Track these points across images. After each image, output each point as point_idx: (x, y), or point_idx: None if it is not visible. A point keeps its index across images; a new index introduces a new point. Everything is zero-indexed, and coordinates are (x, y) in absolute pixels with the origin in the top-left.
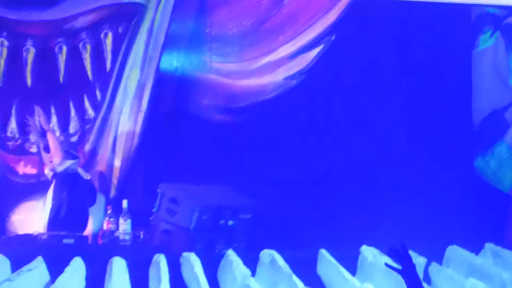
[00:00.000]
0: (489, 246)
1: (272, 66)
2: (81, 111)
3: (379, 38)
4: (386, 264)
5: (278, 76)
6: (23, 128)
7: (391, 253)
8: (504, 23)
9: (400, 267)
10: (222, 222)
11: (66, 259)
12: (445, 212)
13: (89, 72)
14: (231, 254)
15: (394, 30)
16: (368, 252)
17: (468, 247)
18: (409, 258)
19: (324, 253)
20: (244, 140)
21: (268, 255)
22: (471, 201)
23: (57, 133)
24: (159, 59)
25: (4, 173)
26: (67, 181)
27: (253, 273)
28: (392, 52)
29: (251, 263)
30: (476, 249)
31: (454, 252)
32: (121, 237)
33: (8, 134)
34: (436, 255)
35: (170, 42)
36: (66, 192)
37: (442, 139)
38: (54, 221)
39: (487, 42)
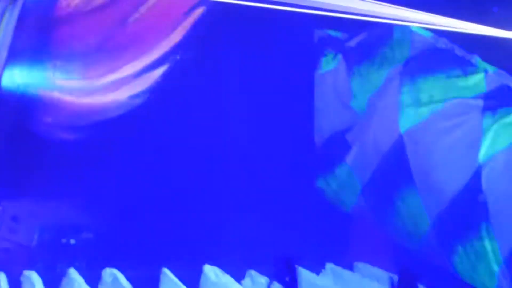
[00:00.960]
0: (329, 266)
1: (116, 85)
2: None
3: (224, 56)
4: None
5: (122, 95)
6: None
7: None
8: (345, 46)
9: None
10: (64, 240)
11: None
12: (288, 231)
13: None
14: (73, 272)
15: (239, 48)
16: (211, 272)
17: (309, 267)
18: None
19: (166, 272)
20: (87, 159)
21: (110, 274)
22: (313, 220)
23: None
24: (1, 75)
25: None
26: None
27: None
28: (236, 71)
29: (93, 282)
30: (317, 269)
31: (300, 272)
32: None
33: None
34: (278, 275)
35: (12, 58)
36: None
37: (285, 158)
38: None
39: (329, 64)
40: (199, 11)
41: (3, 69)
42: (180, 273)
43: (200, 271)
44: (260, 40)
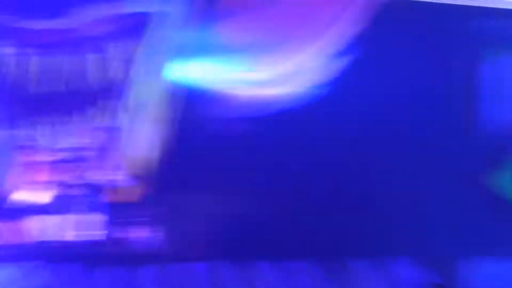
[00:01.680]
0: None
1: (287, 77)
2: (89, 121)
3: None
4: None
5: (292, 87)
6: (30, 137)
7: None
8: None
9: None
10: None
11: None
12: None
13: (97, 82)
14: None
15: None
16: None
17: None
18: None
19: None
20: (256, 152)
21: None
22: (484, 219)
23: (66, 142)
24: (171, 69)
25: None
26: None
27: None
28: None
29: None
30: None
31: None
32: (149, 245)
33: (16, 143)
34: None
35: (183, 52)
36: None
37: (450, 156)
38: None
39: (493, 56)
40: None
41: (173, 63)
42: None
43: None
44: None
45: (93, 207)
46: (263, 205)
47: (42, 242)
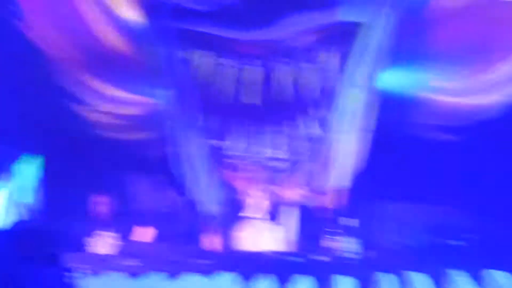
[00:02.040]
0: None
1: (491, 85)
2: (299, 130)
3: None
4: None
5: (496, 96)
6: (243, 146)
7: None
8: None
9: None
10: (441, 241)
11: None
12: None
13: (307, 92)
14: (455, 274)
15: None
16: None
17: None
18: None
19: None
20: (466, 160)
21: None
22: None
23: (276, 152)
24: (379, 78)
25: (224, 191)
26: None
27: None
28: None
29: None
30: None
31: None
32: (346, 255)
33: (227, 152)
34: None
35: (391, 61)
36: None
37: None
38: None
39: None
40: None
41: (382, 72)
42: None
43: None
44: None
45: (291, 217)
46: (463, 215)
47: (243, 252)
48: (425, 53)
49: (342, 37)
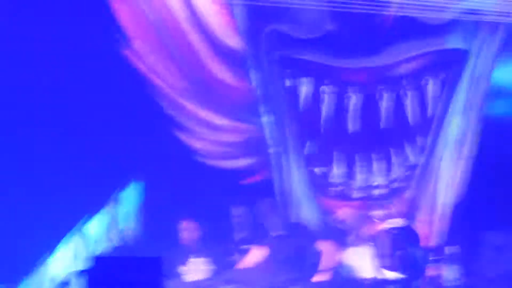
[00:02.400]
0: None
1: None
2: (401, 157)
3: None
4: None
5: None
6: (344, 173)
7: None
8: None
9: None
10: None
11: None
12: None
13: (410, 119)
14: None
15: None
16: None
17: None
18: None
19: None
20: None
21: None
22: None
23: (378, 179)
24: (482, 105)
25: (326, 219)
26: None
27: None
28: None
29: None
30: None
31: None
32: (448, 284)
33: (330, 180)
34: None
35: (493, 88)
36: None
37: None
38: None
39: None
40: None
41: (484, 99)
42: None
43: None
44: None
45: (393, 244)
46: None
47: (347, 280)
48: None
49: (448, 64)
